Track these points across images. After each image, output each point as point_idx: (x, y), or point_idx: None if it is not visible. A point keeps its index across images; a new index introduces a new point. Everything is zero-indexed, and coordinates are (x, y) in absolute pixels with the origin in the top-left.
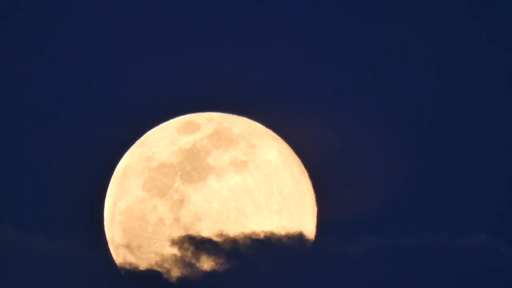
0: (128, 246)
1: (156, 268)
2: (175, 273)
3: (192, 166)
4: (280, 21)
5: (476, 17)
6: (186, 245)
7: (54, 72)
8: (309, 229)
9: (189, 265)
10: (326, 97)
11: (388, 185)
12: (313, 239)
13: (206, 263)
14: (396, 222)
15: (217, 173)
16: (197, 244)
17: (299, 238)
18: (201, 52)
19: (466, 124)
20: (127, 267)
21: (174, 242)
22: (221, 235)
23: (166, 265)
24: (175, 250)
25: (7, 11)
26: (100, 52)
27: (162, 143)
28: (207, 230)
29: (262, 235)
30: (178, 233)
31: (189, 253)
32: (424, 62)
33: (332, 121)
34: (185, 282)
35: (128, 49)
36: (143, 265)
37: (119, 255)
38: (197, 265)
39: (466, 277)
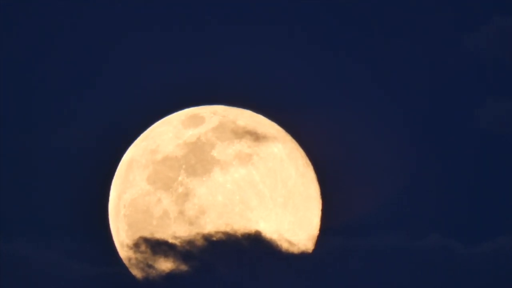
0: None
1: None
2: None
3: (197, 159)
4: (286, 15)
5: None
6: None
7: (57, 67)
8: (314, 223)
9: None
10: (331, 91)
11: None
12: (317, 233)
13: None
14: (352, 223)
15: (221, 166)
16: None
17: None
18: (206, 45)
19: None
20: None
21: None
22: (176, 237)
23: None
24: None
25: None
26: (105, 46)
27: (167, 136)
28: (211, 223)
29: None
30: (182, 226)
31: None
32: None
33: (337, 115)
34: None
35: (133, 42)
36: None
37: (124, 249)
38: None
39: (421, 277)
